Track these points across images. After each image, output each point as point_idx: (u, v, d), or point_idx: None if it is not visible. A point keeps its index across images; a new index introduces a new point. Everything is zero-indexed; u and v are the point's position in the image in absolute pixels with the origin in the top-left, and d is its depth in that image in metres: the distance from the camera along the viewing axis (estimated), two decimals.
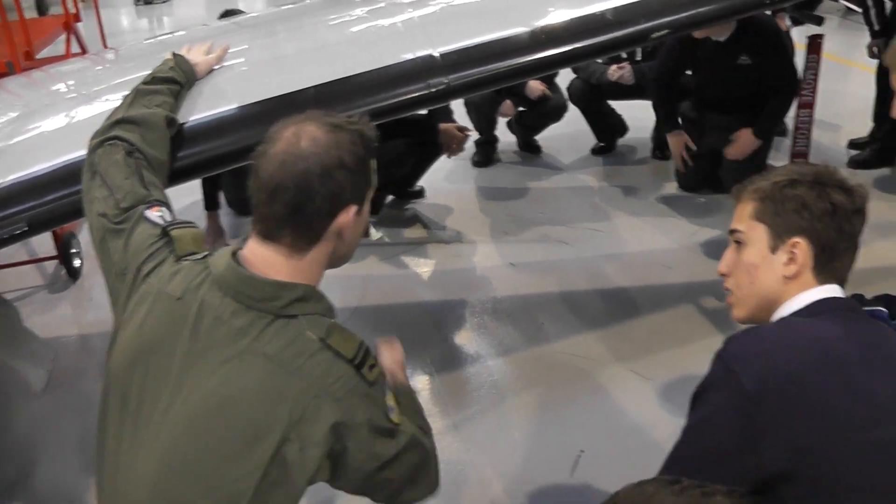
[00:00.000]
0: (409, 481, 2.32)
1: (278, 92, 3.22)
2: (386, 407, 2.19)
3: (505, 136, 7.54)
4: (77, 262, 5.76)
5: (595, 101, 7.17)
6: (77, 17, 8.42)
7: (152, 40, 4.96)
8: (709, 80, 6.08)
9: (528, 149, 7.60)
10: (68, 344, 5.11)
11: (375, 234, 6.08)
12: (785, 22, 7.04)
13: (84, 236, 5.66)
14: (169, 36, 4.93)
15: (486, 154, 7.39)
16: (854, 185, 2.21)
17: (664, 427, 3.88)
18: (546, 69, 3.86)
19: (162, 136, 2.75)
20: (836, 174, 2.21)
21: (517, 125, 7.49)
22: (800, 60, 6.38)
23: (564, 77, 7.12)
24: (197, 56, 3.28)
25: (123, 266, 2.27)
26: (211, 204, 5.81)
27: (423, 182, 6.68)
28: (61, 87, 4.26)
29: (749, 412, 1.91)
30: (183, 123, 3.01)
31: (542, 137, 7.54)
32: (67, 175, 2.92)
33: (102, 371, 2.24)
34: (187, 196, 6.39)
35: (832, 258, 2.16)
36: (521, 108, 7.25)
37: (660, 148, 7.33)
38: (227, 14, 5.87)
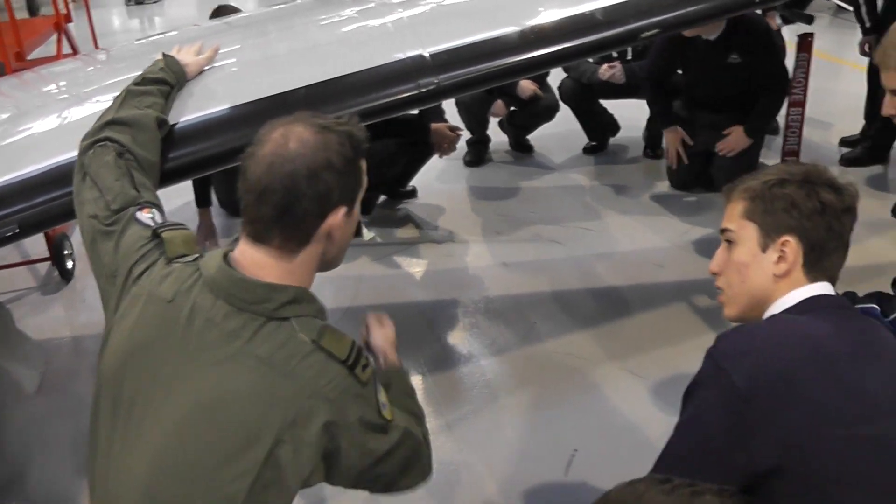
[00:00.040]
0: (403, 471, 2.34)
1: (269, 92, 3.22)
2: (378, 404, 2.19)
3: (497, 135, 7.53)
4: (69, 264, 5.75)
5: (586, 100, 7.17)
6: (68, 18, 8.43)
7: (144, 41, 4.95)
8: (699, 79, 6.09)
9: (520, 148, 7.59)
10: (61, 345, 5.10)
11: (367, 234, 6.08)
12: (775, 21, 7.05)
13: (76, 238, 5.65)
14: (160, 36, 4.92)
15: (478, 154, 7.39)
16: (844, 183, 2.22)
17: (657, 425, 3.88)
18: (536, 69, 3.87)
19: (153, 138, 2.75)
20: (826, 173, 2.23)
21: (509, 125, 7.48)
22: (790, 59, 6.40)
23: (556, 76, 7.12)
24: (187, 57, 3.27)
25: (114, 268, 2.28)
26: (202, 201, 5.79)
27: (415, 182, 6.67)
28: (52, 88, 4.25)
29: (739, 409, 1.92)
30: (174, 124, 3.01)
31: (534, 137, 7.54)
32: (59, 176, 2.92)
33: (95, 373, 2.24)
34: (179, 197, 6.40)
35: (822, 256, 2.17)
36: (512, 108, 7.24)
37: (651, 147, 7.34)
38: (220, 10, 5.86)
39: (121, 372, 2.14)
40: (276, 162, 2.08)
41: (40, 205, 3.00)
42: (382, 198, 6.53)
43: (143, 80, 2.99)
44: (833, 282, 2.21)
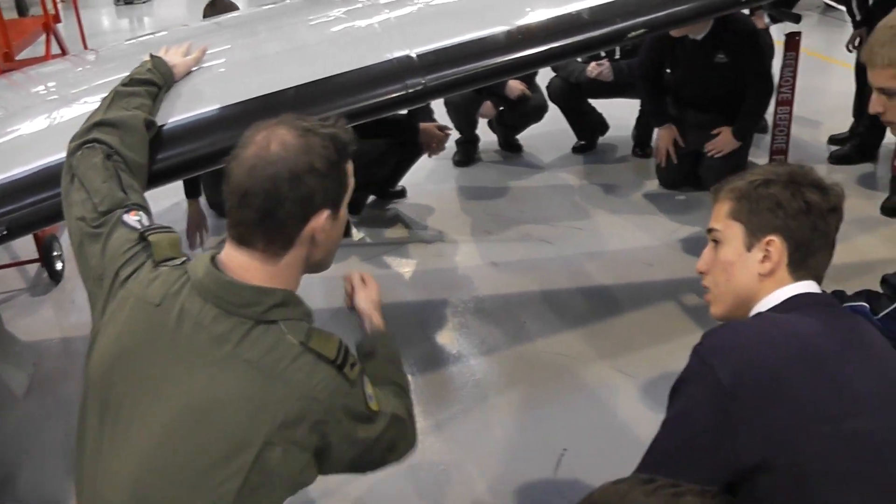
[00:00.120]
0: (390, 450, 2.38)
1: (256, 93, 3.22)
2: (366, 397, 2.22)
3: (486, 135, 7.53)
4: (59, 265, 5.74)
5: (575, 99, 7.18)
6: (57, 18, 8.42)
7: (133, 41, 4.94)
8: (687, 79, 6.10)
9: (510, 148, 7.59)
10: (50, 347, 5.09)
11: (357, 234, 6.08)
12: (763, 20, 7.06)
13: (66, 239, 5.64)
14: (150, 36, 4.91)
15: (468, 153, 7.39)
16: (830, 183, 2.24)
17: (647, 424, 3.85)
18: (523, 69, 3.87)
19: (141, 139, 2.75)
20: (812, 174, 2.25)
21: (498, 125, 7.48)
22: (779, 58, 6.41)
23: (545, 76, 7.12)
24: (175, 58, 3.27)
25: (101, 271, 2.28)
26: (191, 192, 5.77)
27: (404, 182, 6.67)
28: (41, 88, 4.24)
29: (725, 405, 1.94)
30: (161, 126, 3.01)
31: (523, 136, 7.54)
32: (47, 178, 2.91)
33: (83, 375, 2.24)
34: (167, 198, 6.40)
35: (807, 256, 2.19)
36: (501, 108, 7.23)
37: (640, 146, 7.35)
38: (215, 4, 5.87)
39: (108, 375, 2.14)
40: (258, 165, 2.08)
41: (29, 206, 3.00)
42: (372, 198, 6.52)
43: (130, 82, 2.98)
44: (819, 280, 2.23)
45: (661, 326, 4.85)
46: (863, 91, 6.68)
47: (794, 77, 6.34)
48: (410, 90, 3.30)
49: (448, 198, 6.77)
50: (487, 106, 7.17)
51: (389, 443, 2.34)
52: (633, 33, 3.62)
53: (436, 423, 4.18)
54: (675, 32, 5.70)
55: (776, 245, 2.19)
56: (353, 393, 2.16)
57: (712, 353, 2.01)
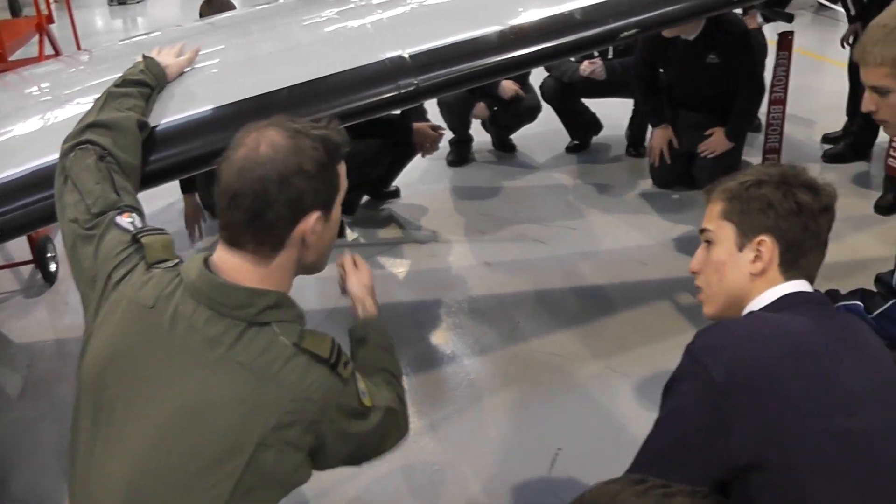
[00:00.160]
0: (383, 440, 2.39)
1: (248, 94, 3.22)
2: (359, 394, 2.22)
3: (479, 135, 7.53)
4: (53, 267, 5.74)
5: (568, 99, 7.18)
6: (50, 19, 8.37)
7: (127, 41, 4.94)
8: (679, 79, 6.11)
9: (503, 148, 7.60)
10: (44, 349, 5.09)
11: (351, 234, 6.08)
12: (757, 19, 7.07)
13: (60, 240, 5.63)
14: (144, 37, 4.90)
15: (461, 153, 7.39)
16: (821, 184, 2.26)
17: (641, 423, 3.83)
18: (515, 69, 3.86)
19: (134, 140, 2.74)
20: (803, 174, 2.26)
21: (491, 125, 7.48)
22: (772, 57, 6.42)
23: (538, 76, 7.12)
24: (167, 58, 3.26)
25: (94, 273, 2.28)
26: (186, 187, 5.77)
27: (398, 182, 6.67)
28: (34, 89, 4.23)
29: (717, 403, 1.95)
30: (154, 127, 3.00)
31: (517, 136, 7.54)
32: (41, 179, 2.90)
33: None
34: (162, 199, 6.40)
35: (798, 256, 2.20)
36: (494, 108, 7.22)
37: (634, 145, 7.36)
38: (211, 2, 5.87)
39: (101, 377, 2.14)
40: (247, 166, 2.08)
41: (22, 208, 2.99)
42: (366, 198, 6.51)
43: (123, 82, 2.97)
44: (811, 280, 2.25)
45: (655, 326, 4.86)
46: (856, 90, 6.68)
47: (787, 76, 6.34)
48: (403, 91, 3.30)
49: (442, 198, 6.77)
50: (481, 107, 7.16)
51: (383, 434, 2.36)
52: (626, 33, 3.62)
53: (430, 424, 4.18)
54: (667, 33, 5.71)
55: (767, 245, 2.20)
56: (347, 391, 2.17)
57: (705, 352, 2.02)
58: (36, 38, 8.07)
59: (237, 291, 2.09)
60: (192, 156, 3.09)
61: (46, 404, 4.50)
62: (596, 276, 5.49)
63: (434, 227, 6.23)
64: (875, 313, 2.87)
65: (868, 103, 3.00)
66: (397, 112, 5.75)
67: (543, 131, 7.46)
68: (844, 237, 5.52)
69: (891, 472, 1.99)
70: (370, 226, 6.30)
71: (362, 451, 2.33)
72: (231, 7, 5.83)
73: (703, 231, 2.35)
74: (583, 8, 3.55)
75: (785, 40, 6.30)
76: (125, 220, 2.34)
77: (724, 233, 2.27)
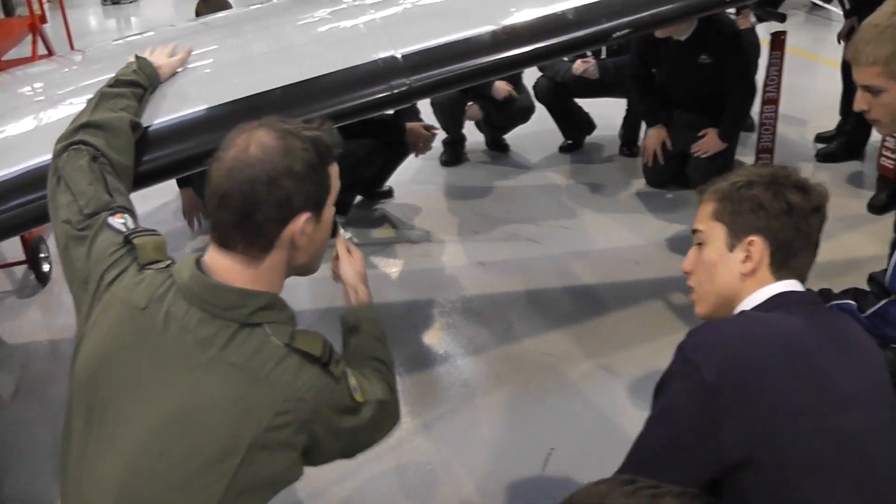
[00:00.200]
0: (375, 431, 2.39)
1: (241, 94, 3.22)
2: (350, 391, 2.23)
3: (473, 135, 7.52)
4: (46, 267, 5.72)
5: (561, 98, 7.17)
6: (43, 19, 8.36)
7: (120, 41, 4.93)
8: (671, 79, 6.11)
9: (497, 147, 7.59)
10: (38, 349, 5.08)
11: (344, 234, 6.07)
12: (750, 18, 7.08)
13: (53, 241, 5.62)
14: (137, 37, 4.90)
15: (454, 153, 7.38)
16: (813, 184, 2.27)
17: (634, 422, 3.83)
18: (507, 69, 3.86)
19: (127, 141, 2.74)
20: (794, 175, 2.28)
21: (485, 125, 7.47)
22: (765, 57, 6.43)
23: (532, 77, 7.12)
24: (160, 59, 3.26)
25: (86, 274, 2.28)
26: (182, 182, 5.80)
27: (391, 182, 6.66)
28: (27, 90, 4.23)
29: (708, 402, 1.97)
30: (147, 127, 3.00)
31: (510, 136, 7.52)
32: (33, 180, 2.91)
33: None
34: (157, 199, 6.41)
35: (789, 256, 2.22)
36: (487, 105, 7.20)
37: (627, 145, 7.36)
38: (207, 1, 5.88)
39: (94, 379, 2.14)
40: (236, 167, 2.09)
41: (15, 208, 3.00)
42: (359, 198, 6.51)
43: (116, 83, 2.97)
44: (802, 280, 2.26)
45: (648, 325, 4.86)
46: (849, 89, 6.69)
47: (779, 76, 6.35)
48: (395, 91, 3.30)
49: (435, 198, 6.76)
50: (474, 109, 7.17)
51: (375, 426, 2.36)
52: (618, 33, 3.63)
53: (423, 424, 4.18)
54: (659, 33, 5.71)
55: (757, 245, 2.21)
56: (339, 389, 2.18)
57: (696, 351, 2.03)
58: (29, 38, 8.05)
59: (229, 292, 2.09)
60: (184, 156, 3.09)
61: (40, 405, 4.49)
62: (589, 275, 5.49)
63: (427, 227, 6.23)
64: (868, 312, 2.89)
65: (860, 102, 3.02)
66: (390, 112, 5.75)
67: (537, 131, 7.45)
68: (838, 236, 5.52)
69: (882, 471, 2.01)
70: (364, 226, 6.30)
71: (355, 444, 2.34)
72: (228, 6, 5.83)
73: (694, 231, 2.37)
74: (575, 8, 3.56)
75: (777, 40, 6.32)
76: (117, 221, 2.34)
77: (715, 233, 2.29)
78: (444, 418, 4.24)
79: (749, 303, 2.22)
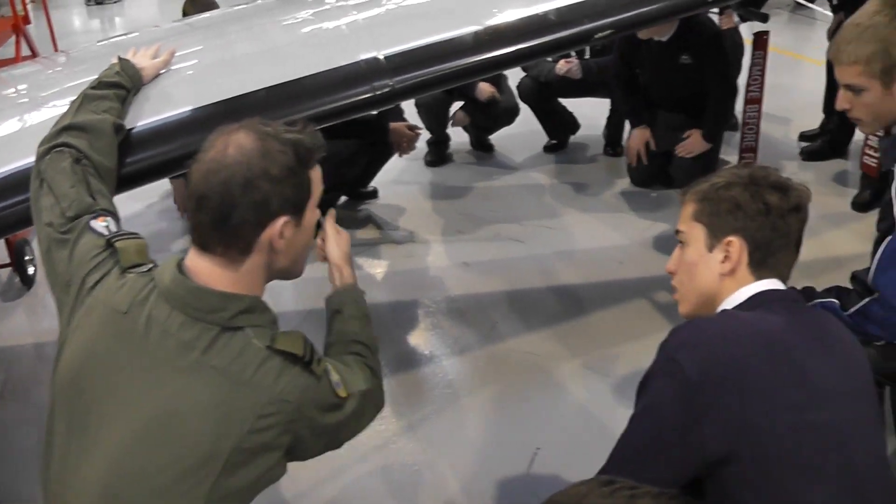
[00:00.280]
0: (359, 420, 2.37)
1: (223, 96, 3.22)
2: (333, 388, 2.22)
3: (458, 135, 7.51)
4: (31, 270, 5.71)
5: (545, 98, 7.17)
6: (26, 20, 8.33)
7: (105, 42, 4.92)
8: (654, 80, 6.13)
9: (481, 148, 7.58)
10: (22, 352, 5.07)
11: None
12: (733, 18, 7.09)
13: (37, 243, 5.61)
14: (122, 38, 4.89)
15: (439, 153, 7.38)
16: (792, 184, 2.30)
17: (619, 421, 3.81)
18: (490, 70, 3.87)
19: (110, 143, 2.73)
20: (772, 175, 2.30)
21: (470, 126, 7.46)
22: (748, 56, 6.45)
23: (515, 76, 7.11)
24: (143, 60, 3.25)
25: (68, 277, 2.27)
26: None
27: (375, 182, 6.67)
28: (11, 91, 4.22)
29: (691, 399, 1.99)
30: (130, 129, 2.99)
31: (495, 136, 7.52)
32: (17, 182, 2.89)
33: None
34: (140, 200, 6.40)
35: (767, 255, 2.24)
36: (472, 108, 7.20)
37: (611, 144, 7.36)
38: (195, 0, 5.88)
39: (76, 383, 2.14)
40: (213, 169, 2.08)
41: None
42: (343, 199, 6.51)
43: (99, 85, 2.96)
44: (783, 278, 2.28)
45: (633, 324, 4.87)
46: (833, 88, 6.70)
47: (762, 75, 6.38)
48: (378, 92, 3.31)
49: (420, 198, 6.76)
50: (460, 115, 7.19)
51: (359, 416, 2.35)
52: (600, 34, 3.64)
53: (408, 424, 4.18)
54: (642, 34, 5.73)
55: (735, 245, 2.24)
56: (321, 387, 2.17)
57: (679, 349, 2.05)
58: (12, 39, 8.03)
59: (210, 295, 2.09)
60: (168, 158, 3.08)
61: (24, 408, 4.49)
62: (573, 275, 5.50)
63: (412, 228, 6.23)
64: (850, 311, 2.90)
65: (842, 101, 3.04)
66: (374, 112, 5.75)
67: (521, 131, 7.45)
68: (822, 234, 5.55)
69: (862, 465, 2.04)
70: (348, 226, 6.17)
71: (339, 437, 2.33)
72: (215, 6, 5.83)
73: (677, 232, 2.40)
74: (557, 9, 3.57)
75: (760, 40, 6.34)
76: (100, 225, 2.33)
77: (696, 234, 2.32)
78: (429, 419, 4.24)
79: (730, 302, 2.24)
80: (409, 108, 6.71)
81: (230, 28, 4.39)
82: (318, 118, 3.06)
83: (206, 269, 2.13)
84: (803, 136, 7.27)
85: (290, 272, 2.29)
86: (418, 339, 4.96)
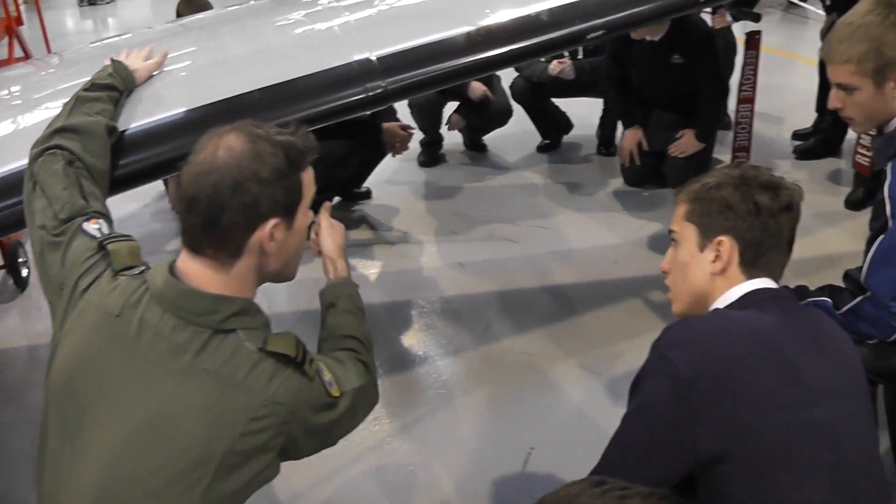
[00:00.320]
0: (353, 416, 2.36)
1: (217, 97, 3.21)
2: (326, 388, 2.22)
3: (451, 135, 7.51)
4: (24, 272, 5.70)
5: (537, 98, 7.18)
6: (19, 21, 8.32)
7: (98, 43, 4.93)
8: (646, 80, 6.13)
9: (475, 148, 7.58)
10: (16, 355, 5.07)
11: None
12: (726, 18, 7.10)
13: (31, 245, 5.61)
14: (115, 39, 4.89)
15: (432, 154, 7.38)
16: (784, 183, 2.31)
17: (613, 420, 3.80)
18: (482, 71, 3.87)
19: (103, 145, 2.73)
20: (763, 175, 2.31)
21: (464, 127, 7.45)
22: (741, 56, 6.46)
23: (508, 76, 7.12)
24: (135, 62, 3.25)
25: (61, 280, 2.27)
26: None
27: (369, 183, 6.67)
28: (4, 93, 4.21)
29: (683, 396, 2.00)
30: (123, 131, 2.99)
31: (488, 136, 7.51)
32: (10, 185, 2.88)
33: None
34: (133, 202, 6.39)
35: (758, 255, 2.26)
36: (465, 109, 7.20)
37: (605, 144, 7.37)
38: (189, 1, 5.88)
39: (69, 386, 2.14)
40: (203, 171, 2.08)
41: None
42: (337, 199, 6.50)
43: (91, 86, 2.96)
44: (774, 277, 2.30)
45: (627, 323, 4.88)
46: (826, 87, 6.65)
47: (755, 75, 6.37)
48: (371, 93, 3.30)
49: (413, 199, 6.76)
50: (455, 118, 7.20)
51: (353, 413, 2.34)
52: (592, 35, 3.64)
53: (403, 425, 4.18)
54: (634, 34, 5.74)
55: (726, 245, 2.25)
56: (314, 387, 2.17)
57: (671, 348, 2.07)
58: (5, 40, 8.02)
59: (202, 298, 2.08)
60: (161, 160, 3.07)
61: (18, 410, 4.48)
62: (567, 274, 5.50)
63: (406, 228, 6.23)
64: (843, 309, 2.91)
65: (834, 100, 3.06)
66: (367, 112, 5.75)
67: (514, 131, 7.44)
68: (815, 232, 5.55)
69: (854, 463, 2.05)
70: None
71: (333, 436, 2.33)
72: (209, 6, 5.83)
73: (670, 232, 2.41)
74: (550, 9, 3.57)
75: (752, 39, 6.34)
76: (92, 227, 2.33)
77: (688, 234, 2.33)
78: (423, 419, 4.24)
79: (722, 301, 2.26)
80: (402, 108, 6.70)
81: (223, 29, 4.38)
82: (311, 119, 3.06)
83: (197, 272, 2.12)
84: (796, 135, 7.28)
85: (282, 275, 2.29)
86: (412, 340, 4.96)
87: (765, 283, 2.25)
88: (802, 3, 10.83)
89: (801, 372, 2.05)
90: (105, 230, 2.34)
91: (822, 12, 6.97)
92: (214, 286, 2.11)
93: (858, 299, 2.90)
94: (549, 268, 5.59)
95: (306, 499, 3.73)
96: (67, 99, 2.85)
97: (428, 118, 7.15)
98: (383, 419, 4.16)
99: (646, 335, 2.61)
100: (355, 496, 3.78)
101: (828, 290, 3.02)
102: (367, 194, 6.70)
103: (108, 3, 17.25)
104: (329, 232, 2.69)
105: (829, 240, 5.54)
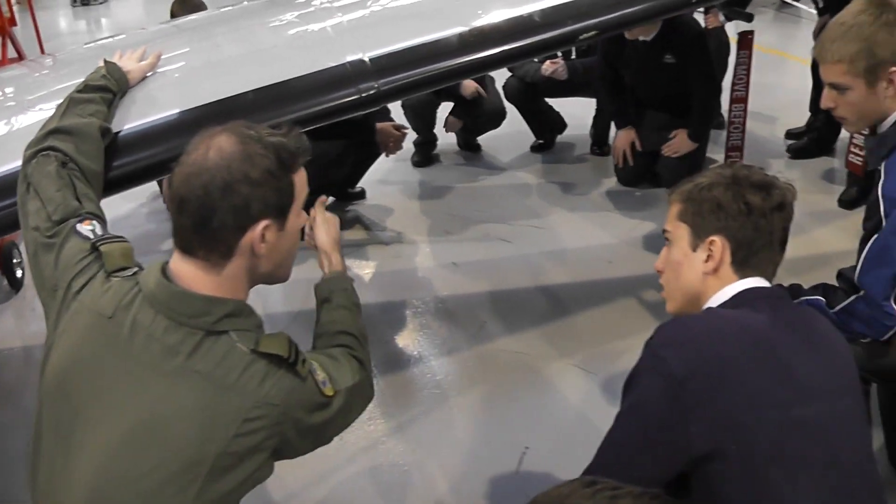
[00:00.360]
0: (347, 414, 2.37)
1: (210, 98, 3.21)
2: (319, 387, 2.21)
3: (445, 135, 7.50)
4: (19, 273, 5.70)
5: (531, 98, 7.18)
6: (13, 22, 8.31)
7: (92, 44, 4.92)
8: (639, 80, 6.14)
9: (468, 148, 7.58)
10: (11, 356, 5.07)
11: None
12: (719, 17, 7.11)
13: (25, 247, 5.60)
14: (109, 40, 4.87)
15: (426, 154, 7.38)
16: (776, 182, 2.32)
17: (607, 420, 3.82)
18: (475, 72, 3.88)
19: (96, 147, 2.73)
20: (755, 174, 2.32)
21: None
22: (734, 56, 6.46)
23: (502, 78, 7.12)
24: (129, 63, 3.24)
25: (54, 281, 2.27)
26: None
27: (363, 183, 6.67)
28: None
29: (676, 393, 2.01)
30: (117, 132, 2.99)
31: (482, 136, 7.50)
32: (4, 186, 2.87)
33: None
34: (127, 202, 6.39)
35: (750, 254, 2.27)
36: (460, 110, 7.20)
37: (598, 144, 7.37)
38: (184, 1, 5.88)
39: (62, 388, 2.14)
40: (193, 172, 2.08)
41: None
42: (331, 199, 6.49)
43: (85, 88, 2.95)
44: (767, 277, 2.31)
45: (621, 323, 4.88)
46: (819, 86, 6.66)
47: (747, 75, 6.38)
48: (364, 94, 3.31)
49: (407, 199, 6.76)
50: (451, 120, 7.21)
51: (347, 411, 2.35)
52: (585, 35, 3.64)
53: (397, 425, 4.19)
54: (627, 34, 5.76)
55: (717, 245, 2.26)
56: (307, 387, 2.17)
57: (664, 346, 2.08)
58: None
59: (194, 300, 2.08)
60: (154, 161, 3.07)
61: (13, 411, 4.48)
62: (561, 274, 5.50)
63: (400, 228, 6.24)
64: (836, 308, 2.92)
65: (827, 100, 3.07)
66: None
67: (508, 131, 7.44)
68: (809, 231, 5.55)
69: (847, 461, 2.06)
70: None
71: (327, 434, 2.33)
72: (203, 7, 5.83)
73: (664, 232, 2.42)
74: (542, 10, 3.57)
75: (745, 39, 6.36)
76: (85, 228, 2.33)
77: (680, 233, 2.35)
78: (418, 419, 4.24)
79: (715, 300, 2.27)
80: (395, 108, 6.70)
81: (217, 30, 4.38)
82: (304, 120, 3.06)
83: (189, 273, 2.12)
84: (790, 134, 7.29)
85: (275, 276, 2.28)
86: (407, 340, 4.96)
87: (757, 282, 2.26)
88: (795, 3, 10.85)
89: (794, 370, 2.06)
90: (98, 231, 2.33)
91: (814, 11, 6.97)
92: (206, 287, 2.11)
93: (852, 298, 2.91)
94: (543, 267, 5.60)
95: (300, 498, 3.73)
96: (61, 100, 2.85)
97: (422, 119, 7.15)
98: (378, 419, 4.17)
99: (640, 334, 2.62)
100: (350, 496, 3.78)
101: (821, 288, 3.03)
102: (362, 194, 6.70)
103: (101, 3, 17.23)
104: (324, 226, 2.69)
105: (823, 239, 5.55)
